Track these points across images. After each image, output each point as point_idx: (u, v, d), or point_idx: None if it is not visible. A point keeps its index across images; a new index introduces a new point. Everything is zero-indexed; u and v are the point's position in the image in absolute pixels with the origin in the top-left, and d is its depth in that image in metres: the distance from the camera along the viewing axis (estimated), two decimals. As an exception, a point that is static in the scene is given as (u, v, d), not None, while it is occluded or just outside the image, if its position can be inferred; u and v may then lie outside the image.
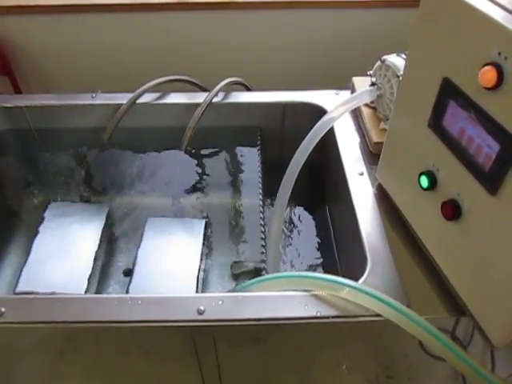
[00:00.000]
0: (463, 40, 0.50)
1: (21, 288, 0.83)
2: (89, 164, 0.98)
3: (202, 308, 0.59)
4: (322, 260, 0.94)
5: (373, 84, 0.80)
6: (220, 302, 0.60)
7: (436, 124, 0.55)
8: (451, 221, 0.55)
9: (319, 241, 0.98)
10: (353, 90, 0.91)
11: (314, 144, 0.76)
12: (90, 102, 0.93)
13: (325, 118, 0.77)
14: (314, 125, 0.82)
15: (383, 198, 0.73)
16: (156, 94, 0.94)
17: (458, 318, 0.60)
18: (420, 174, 0.60)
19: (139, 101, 0.92)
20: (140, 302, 0.60)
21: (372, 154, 0.81)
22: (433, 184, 0.58)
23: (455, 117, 0.52)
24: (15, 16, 1.06)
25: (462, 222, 0.54)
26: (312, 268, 0.94)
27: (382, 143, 0.76)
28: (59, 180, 1.01)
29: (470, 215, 0.53)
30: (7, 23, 1.08)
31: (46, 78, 1.18)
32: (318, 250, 0.96)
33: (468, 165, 0.51)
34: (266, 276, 0.65)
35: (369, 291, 0.58)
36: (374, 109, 0.85)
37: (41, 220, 0.93)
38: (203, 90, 0.99)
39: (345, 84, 0.96)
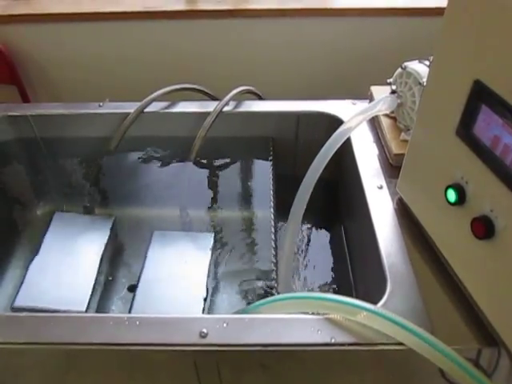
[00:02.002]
0: (498, 39, 0.45)
1: (19, 303, 0.79)
2: (94, 174, 0.95)
3: (204, 331, 0.54)
4: (335, 280, 0.88)
5: (393, 92, 0.75)
6: (224, 325, 0.55)
7: (465, 132, 0.50)
8: (482, 240, 0.50)
9: (333, 259, 0.92)
10: (371, 100, 0.87)
11: (330, 156, 0.71)
12: (97, 111, 0.90)
13: (341, 128, 0.72)
14: (330, 136, 0.78)
15: (404, 214, 0.67)
16: (165, 103, 0.90)
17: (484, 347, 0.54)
18: (447, 188, 0.54)
19: (147, 110, 0.89)
20: (138, 322, 0.55)
21: (392, 167, 0.75)
22: (461, 198, 0.52)
23: (488, 123, 0.46)
24: (23, 24, 1.05)
25: (495, 242, 0.49)
26: (325, 289, 0.88)
27: (402, 155, 0.71)
28: (64, 190, 0.97)
29: (504, 234, 0.47)
30: (15, 32, 1.06)
31: (55, 87, 1.16)
32: (332, 269, 0.91)
33: (503, 177, 0.46)
34: (276, 297, 0.60)
35: (388, 316, 0.53)
36: (394, 119, 0.80)
37: (44, 232, 0.90)
38: (213, 98, 0.95)
39: (362, 94, 0.91)
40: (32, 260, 0.85)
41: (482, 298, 0.54)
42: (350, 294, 0.80)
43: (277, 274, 0.75)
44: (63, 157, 0.94)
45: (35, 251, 0.86)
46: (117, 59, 1.13)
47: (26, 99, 1.14)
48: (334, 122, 0.86)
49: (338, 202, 0.95)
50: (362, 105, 0.89)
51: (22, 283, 0.81)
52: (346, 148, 0.82)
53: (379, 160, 0.77)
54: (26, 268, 0.84)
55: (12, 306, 0.79)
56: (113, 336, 0.54)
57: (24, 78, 1.13)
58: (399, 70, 0.74)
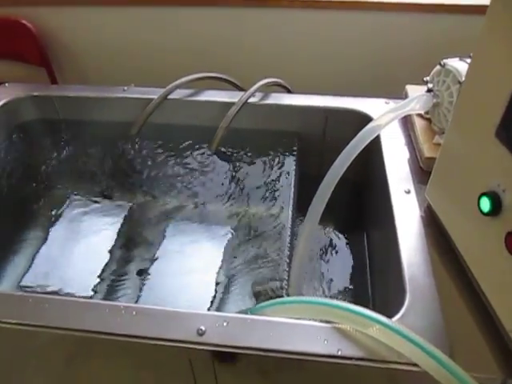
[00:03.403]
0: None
1: (26, 282, 0.78)
2: (114, 159, 0.93)
3: (202, 328, 0.50)
4: (352, 288, 0.83)
5: (429, 91, 0.69)
6: (224, 324, 0.51)
7: (506, 133, 0.44)
8: (517, 256, 0.44)
9: (352, 265, 0.87)
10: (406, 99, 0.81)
11: (356, 154, 0.66)
12: (121, 96, 0.88)
13: (370, 126, 0.67)
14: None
15: (431, 222, 0.62)
16: (189, 91, 0.88)
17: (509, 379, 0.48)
18: (480, 196, 0.49)
19: (171, 96, 0.86)
20: (134, 312, 0.52)
21: (422, 171, 0.70)
22: (496, 208, 0.47)
23: (532, 124, 0.41)
24: (54, 7, 1.05)
25: (532, 259, 0.43)
26: (340, 296, 0.83)
27: (434, 159, 0.65)
28: (83, 174, 0.96)
29: (543, 251, 0.42)
30: (46, 14, 1.06)
31: (83, 70, 1.16)
32: (349, 276, 0.85)
33: (546, 186, 0.40)
34: (283, 299, 0.56)
35: (404, 332, 0.48)
36: (429, 120, 0.74)
37: (59, 214, 0.89)
38: (240, 89, 0.92)
39: (396, 94, 0.86)
40: (45, 241, 0.84)
41: (512, 321, 0.48)
42: (366, 304, 0.74)
43: (289, 275, 0.71)
44: (84, 140, 0.93)
45: (48, 233, 0.85)
46: (144, 44, 1.11)
47: (54, 81, 1.14)
48: (365, 121, 0.80)
49: (362, 204, 0.90)
50: (395, 104, 0.83)
51: (31, 263, 0.80)
52: (375, 148, 0.77)
53: (409, 163, 0.71)
54: (38, 249, 0.83)
55: (19, 283, 0.78)
56: (106, 324, 0.51)
57: (53, 61, 1.13)
58: (437, 67, 0.68)
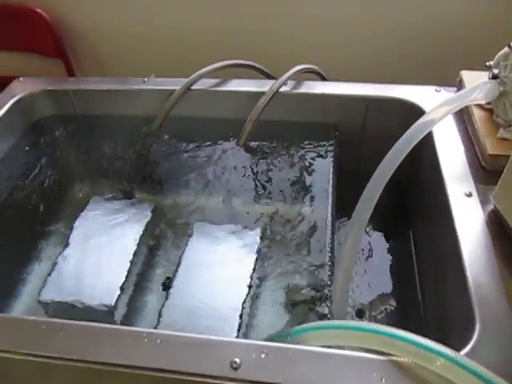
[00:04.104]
0: None
1: (45, 297, 0.73)
2: (135, 156, 0.86)
3: (237, 361, 0.43)
4: (396, 303, 0.75)
5: (494, 77, 0.60)
6: (262, 355, 0.44)
7: None
8: None
9: (396, 276, 0.79)
10: (460, 87, 0.72)
11: (407, 152, 0.58)
12: (141, 87, 0.81)
13: (423, 120, 0.59)
14: (405, 127, 0.65)
15: (500, 230, 0.53)
16: (214, 80, 0.80)
17: None
18: None
19: (195, 87, 0.79)
20: (159, 340, 0.46)
21: (484, 170, 0.61)
22: None
23: None
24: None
25: None
26: (382, 312, 0.75)
27: (499, 156, 0.57)
28: (103, 172, 0.90)
29: None
30: (61, 2, 0.99)
31: (102, 60, 1.09)
32: (392, 289, 0.77)
33: None
34: (330, 323, 0.48)
35: (477, 370, 0.40)
36: (489, 111, 0.65)
37: (78, 218, 0.83)
38: (270, 77, 0.84)
39: (447, 80, 0.76)
40: (64, 248, 0.78)
41: None
42: (416, 324, 0.66)
43: (333, 286, 0.63)
44: (103, 136, 0.87)
45: (67, 239, 0.80)
46: (166, 31, 1.04)
47: (71, 74, 1.08)
48: (412, 111, 0.72)
49: (407, 204, 0.81)
50: (447, 92, 0.74)
51: (49, 274, 0.75)
52: (425, 143, 0.67)
53: (468, 161, 0.62)
54: (56, 257, 0.78)
55: (38, 299, 0.73)
56: (126, 355, 0.45)
57: (70, 52, 1.06)
58: (505, 49, 0.59)
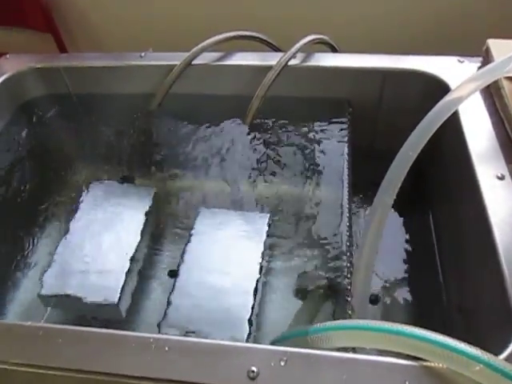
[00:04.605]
0: None
1: (46, 291, 0.68)
2: (134, 137, 0.81)
3: (254, 369, 0.40)
4: (414, 292, 0.71)
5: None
6: (282, 363, 0.40)
7: None
8: None
9: (414, 262, 0.74)
10: (487, 58, 0.66)
11: (433, 132, 0.53)
12: (138, 63, 0.75)
13: (449, 97, 0.53)
14: (425, 102, 0.59)
15: (538, 219, 0.48)
16: (217, 54, 0.74)
17: None
18: None
19: (196, 62, 0.73)
20: (167, 347, 0.42)
21: (516, 149, 0.56)
22: None
23: None
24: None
25: None
26: (399, 303, 0.71)
27: (533, 133, 0.51)
28: (101, 155, 0.85)
29: None
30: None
31: (95, 34, 1.02)
32: (410, 275, 0.73)
33: None
34: (353, 322, 0.44)
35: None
36: (521, 83, 0.59)
37: (77, 205, 0.78)
38: (277, 50, 0.77)
39: (472, 50, 0.70)
40: (65, 237, 0.74)
41: None
42: (439, 318, 0.62)
43: (353, 275, 0.59)
44: (100, 116, 0.81)
45: (66, 228, 0.75)
46: (164, 1, 0.96)
47: (63, 49, 1.01)
48: (434, 85, 0.66)
49: (427, 185, 0.76)
50: (471, 63, 0.68)
51: (49, 266, 0.71)
52: (449, 118, 0.62)
53: (498, 139, 0.57)
54: (56, 247, 0.73)
55: (39, 293, 0.69)
56: (132, 364, 0.41)
57: (60, 25, 0.99)
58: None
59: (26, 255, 0.79)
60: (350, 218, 0.65)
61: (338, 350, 0.44)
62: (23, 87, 0.76)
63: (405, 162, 0.54)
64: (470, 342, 0.38)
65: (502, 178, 0.52)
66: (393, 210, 0.79)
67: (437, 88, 0.66)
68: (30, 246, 0.80)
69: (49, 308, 0.74)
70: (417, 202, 0.77)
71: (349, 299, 0.51)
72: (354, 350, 0.45)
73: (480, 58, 0.67)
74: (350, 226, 0.65)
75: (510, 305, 0.42)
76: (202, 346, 0.42)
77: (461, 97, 0.55)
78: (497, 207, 0.49)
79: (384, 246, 0.76)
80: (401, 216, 0.80)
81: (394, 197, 0.53)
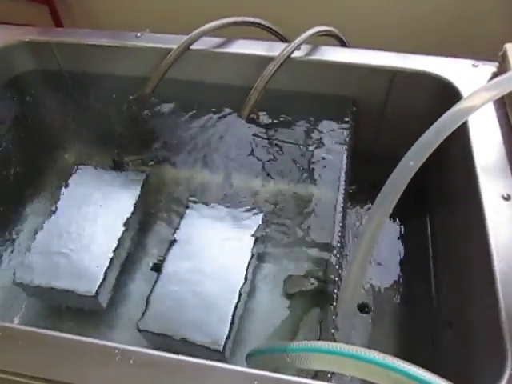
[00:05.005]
0: None
1: (20, 279, 0.66)
2: (126, 122, 0.77)
3: (222, 392, 0.37)
4: (405, 301, 0.68)
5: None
6: (252, 387, 0.37)
7: None
8: None
9: (409, 270, 0.71)
10: (503, 64, 0.61)
11: (439, 142, 0.49)
12: (134, 44, 0.71)
13: (461, 106, 0.49)
14: (433, 108, 0.56)
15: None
16: (217, 40, 0.70)
17: None
18: None
19: (195, 46, 0.69)
20: (132, 361, 0.39)
21: (527, 168, 0.52)
22: None
23: None
24: None
25: None
26: (389, 311, 0.68)
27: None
28: (92, 138, 0.82)
29: None
30: None
31: (93, 9, 0.97)
32: (403, 283, 0.70)
33: None
34: (337, 347, 0.40)
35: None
36: (537, 94, 0.55)
37: (61, 190, 0.75)
38: (282, 39, 0.73)
39: (488, 54, 0.65)
40: (44, 223, 0.71)
41: None
42: (430, 334, 0.59)
43: (344, 278, 0.56)
44: (91, 97, 0.77)
45: (49, 212, 0.72)
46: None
47: (58, 22, 0.96)
48: (444, 89, 0.62)
49: (428, 196, 0.72)
50: (486, 67, 0.64)
51: (28, 252, 0.68)
52: (457, 129, 0.58)
53: (507, 154, 0.53)
54: (35, 232, 0.70)
55: (14, 280, 0.66)
56: (93, 377, 0.38)
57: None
58: None
59: (9, 237, 0.77)
60: (343, 223, 0.62)
61: (317, 373, 0.41)
62: (11, 61, 0.72)
63: (405, 174, 0.50)
64: (458, 364, 0.35)
65: (507, 198, 0.48)
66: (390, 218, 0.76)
67: (447, 93, 0.62)
68: (14, 228, 0.78)
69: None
70: (417, 211, 0.73)
71: (334, 317, 0.47)
72: (333, 374, 0.42)
73: (495, 63, 0.63)
74: (342, 231, 0.61)
75: (503, 343, 0.39)
76: (169, 361, 0.39)
77: (473, 106, 0.51)
78: (499, 230, 0.46)
79: (379, 252, 0.74)
80: (399, 223, 0.76)
81: (391, 210, 0.50)
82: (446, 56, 0.64)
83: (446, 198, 0.65)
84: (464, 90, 0.60)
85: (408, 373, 0.36)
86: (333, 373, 0.43)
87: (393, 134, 0.70)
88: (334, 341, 0.46)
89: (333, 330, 0.46)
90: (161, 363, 0.39)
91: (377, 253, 0.74)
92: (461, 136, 0.56)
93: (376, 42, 0.68)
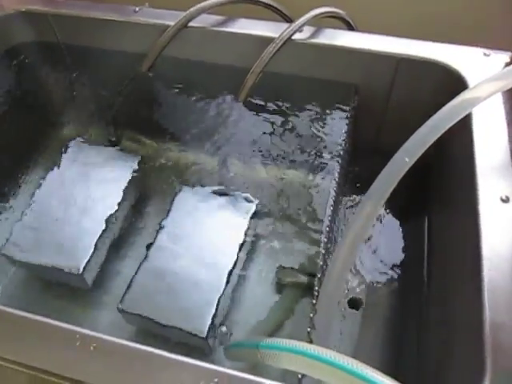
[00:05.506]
0: None
1: (8, 251, 0.65)
2: (122, 99, 0.75)
3: (180, 387, 0.35)
4: (396, 299, 0.65)
5: None
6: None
7: None
8: None
9: (403, 268, 0.68)
10: (517, 53, 0.57)
11: (440, 134, 0.46)
12: (131, 19, 0.69)
13: (465, 96, 0.46)
14: (439, 99, 0.52)
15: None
16: (217, 18, 0.67)
17: None
18: None
19: (193, 24, 0.66)
20: (92, 347, 0.38)
21: (530, 168, 0.48)
22: None
23: None
24: None
25: None
26: (379, 308, 0.65)
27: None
28: (88, 113, 0.80)
29: None
30: None
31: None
32: (396, 280, 0.67)
33: None
34: (308, 349, 0.38)
35: None
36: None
37: (55, 163, 0.74)
38: (286, 19, 0.70)
39: (501, 43, 0.61)
40: (32, 198, 0.70)
41: None
42: (417, 335, 0.57)
43: (327, 271, 0.54)
44: (88, 71, 0.76)
45: (39, 186, 0.71)
46: None
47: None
48: (452, 79, 0.59)
49: (425, 189, 0.69)
50: (500, 56, 0.60)
51: (16, 226, 0.68)
52: (460, 123, 0.55)
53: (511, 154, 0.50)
54: (27, 205, 0.70)
55: (2, 251, 0.66)
56: (52, 359, 0.37)
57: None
58: None
59: (5, 207, 0.77)
60: (332, 217, 0.59)
61: (287, 372, 0.40)
62: (7, 31, 0.71)
63: (398, 169, 0.47)
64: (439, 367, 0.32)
65: (506, 200, 0.45)
66: (388, 212, 0.73)
67: (455, 84, 0.58)
68: (8, 201, 0.77)
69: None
70: (417, 210, 0.70)
71: (311, 315, 0.45)
72: (303, 376, 0.41)
73: (509, 53, 0.59)
74: (331, 225, 0.59)
75: (483, 351, 0.36)
76: (130, 350, 0.38)
77: (478, 97, 0.48)
78: (493, 235, 0.43)
79: (373, 247, 0.71)
80: (399, 221, 0.73)
81: (381, 207, 0.47)
82: (455, 43, 0.60)
83: (444, 197, 0.62)
84: (472, 81, 0.56)
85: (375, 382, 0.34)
86: (303, 375, 0.41)
87: (397, 125, 0.66)
88: (310, 340, 0.44)
89: (309, 329, 0.44)
90: (121, 351, 0.38)
91: (375, 250, 0.71)
92: (463, 131, 0.52)
93: (386, 26, 0.64)
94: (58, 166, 0.74)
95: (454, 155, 0.58)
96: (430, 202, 0.66)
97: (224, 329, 0.63)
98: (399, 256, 0.70)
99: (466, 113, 0.47)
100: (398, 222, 0.72)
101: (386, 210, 0.73)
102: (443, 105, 0.48)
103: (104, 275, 0.70)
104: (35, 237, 0.67)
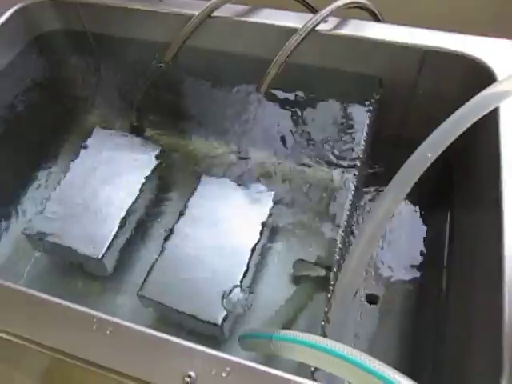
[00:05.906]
0: None
1: (30, 230, 0.67)
2: (145, 88, 0.76)
3: (192, 375, 0.36)
4: (415, 296, 0.65)
5: None
6: (224, 374, 0.36)
7: None
8: None
9: (422, 262, 0.67)
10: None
11: (467, 126, 0.45)
12: (156, 8, 0.69)
13: (493, 89, 0.44)
14: (467, 90, 0.51)
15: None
16: (241, 8, 0.67)
17: None
18: None
19: (217, 14, 0.66)
20: (109, 331, 0.39)
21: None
22: None
23: None
24: None
25: None
26: (397, 305, 0.65)
27: None
28: (113, 101, 0.81)
29: None
30: None
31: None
32: (414, 277, 0.66)
33: None
34: (322, 343, 0.38)
35: None
36: None
37: (79, 150, 0.75)
38: (311, 9, 0.69)
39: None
40: (57, 185, 0.72)
41: None
42: (436, 332, 0.56)
43: (343, 264, 0.53)
44: (113, 60, 0.76)
45: (65, 172, 0.73)
46: None
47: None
48: (479, 72, 0.57)
49: (451, 184, 0.68)
50: (532, 51, 0.58)
51: (41, 212, 0.69)
52: (487, 114, 0.53)
53: (539, 149, 0.48)
54: (52, 190, 0.71)
55: (23, 230, 0.68)
56: (68, 341, 0.38)
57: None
58: None
59: (26, 193, 0.79)
60: (351, 212, 0.59)
61: (300, 365, 0.40)
62: (37, 19, 0.72)
63: (419, 164, 0.46)
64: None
65: (531, 198, 0.44)
66: (409, 207, 0.72)
67: (483, 78, 0.56)
68: (31, 185, 0.79)
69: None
70: (439, 207, 0.68)
71: (326, 309, 0.45)
72: (315, 369, 0.41)
73: (541, 48, 0.57)
74: (349, 217, 0.58)
75: (501, 351, 0.36)
76: (144, 336, 0.39)
77: (507, 91, 0.46)
78: (515, 231, 0.42)
79: (392, 239, 0.70)
80: (422, 218, 0.72)
81: (400, 203, 0.46)
82: (484, 35, 0.58)
83: (467, 194, 0.60)
84: (501, 74, 0.55)
85: (388, 379, 0.34)
86: (316, 368, 0.41)
87: (421, 119, 0.65)
88: (324, 333, 0.44)
89: (323, 323, 0.44)
90: (136, 337, 0.38)
91: (395, 246, 0.70)
92: (489, 127, 0.51)
93: (413, 17, 0.63)
94: (82, 154, 0.75)
95: (479, 151, 0.57)
96: (452, 198, 0.65)
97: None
98: (419, 252, 0.69)
99: (493, 107, 0.46)
100: (419, 219, 0.71)
101: (407, 204, 0.72)
102: (470, 99, 0.47)
103: (124, 261, 0.71)
104: (57, 220, 0.69)
